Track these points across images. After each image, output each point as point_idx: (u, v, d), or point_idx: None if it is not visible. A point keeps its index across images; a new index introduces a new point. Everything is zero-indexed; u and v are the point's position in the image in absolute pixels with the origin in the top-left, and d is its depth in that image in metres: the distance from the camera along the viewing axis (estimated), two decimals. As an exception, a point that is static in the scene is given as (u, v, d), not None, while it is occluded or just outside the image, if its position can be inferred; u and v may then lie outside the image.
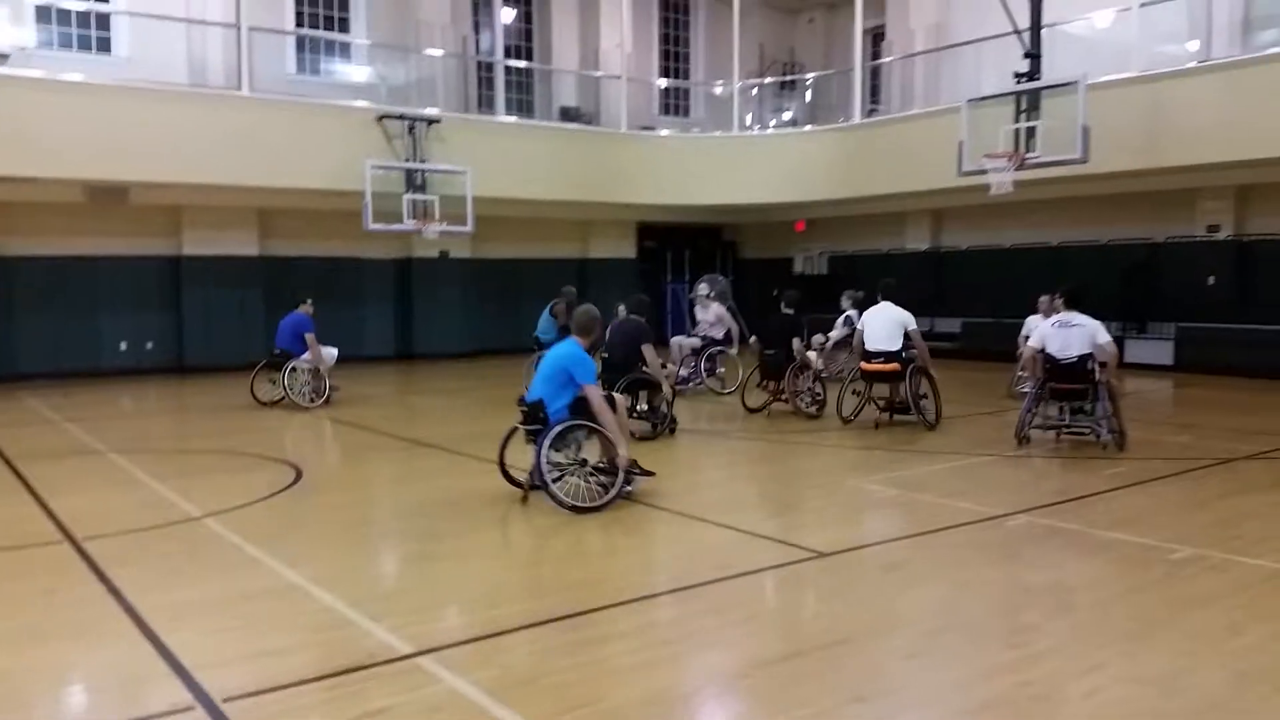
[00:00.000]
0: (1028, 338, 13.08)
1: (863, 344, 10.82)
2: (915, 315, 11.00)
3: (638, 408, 10.34)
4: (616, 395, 8.02)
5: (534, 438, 7.16)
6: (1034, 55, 14.29)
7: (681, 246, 24.72)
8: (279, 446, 9.79)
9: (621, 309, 11.07)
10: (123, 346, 17.80)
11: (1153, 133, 14.37)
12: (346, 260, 19.60)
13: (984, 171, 14.23)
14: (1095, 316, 9.34)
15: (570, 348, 7.30)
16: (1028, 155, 13.93)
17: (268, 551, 5.98)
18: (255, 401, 13.05)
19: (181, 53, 17.45)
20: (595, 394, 7.09)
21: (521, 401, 7.32)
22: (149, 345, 18.02)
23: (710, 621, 4.81)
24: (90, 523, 6.72)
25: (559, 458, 7.08)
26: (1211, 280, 16.45)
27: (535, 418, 7.19)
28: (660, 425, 10.32)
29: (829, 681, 4.03)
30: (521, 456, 7.33)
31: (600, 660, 4.29)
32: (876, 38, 22.53)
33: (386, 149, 16.93)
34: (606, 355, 10.32)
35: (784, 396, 11.61)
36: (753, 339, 12.02)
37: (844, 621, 4.78)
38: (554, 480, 6.94)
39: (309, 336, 12.96)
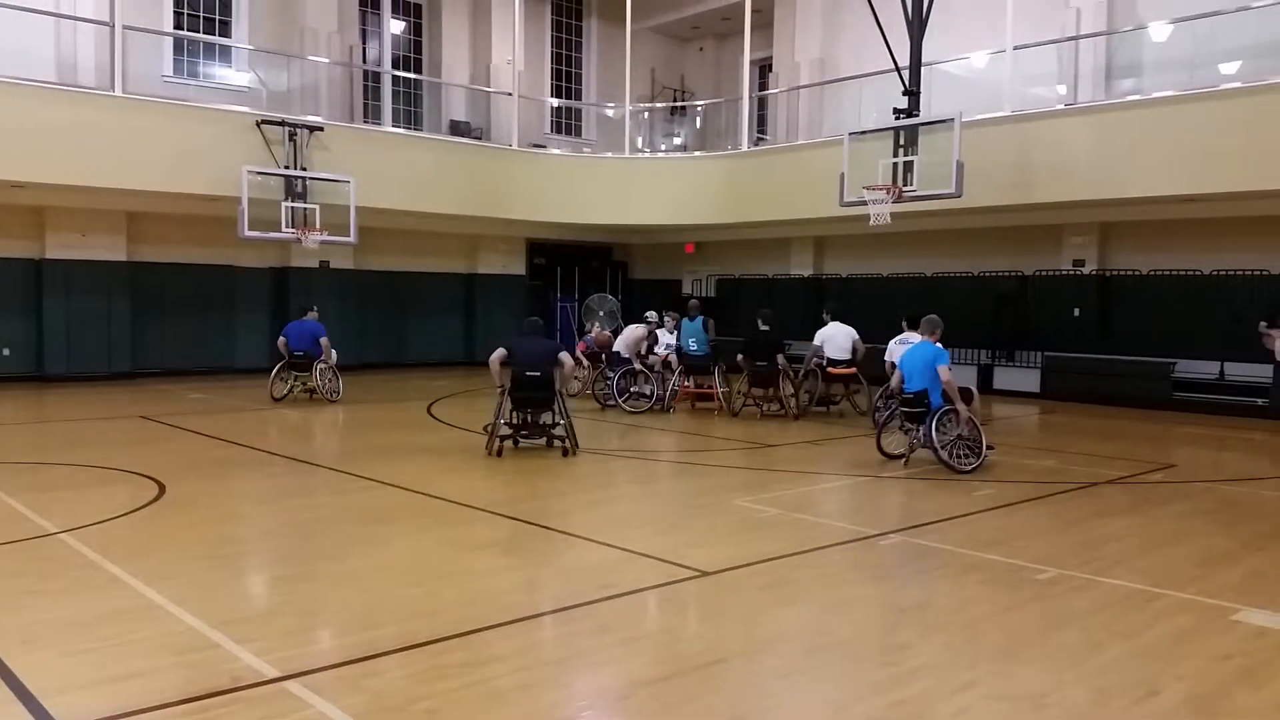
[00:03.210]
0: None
1: (821, 353, 13.69)
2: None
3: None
4: (972, 388, 10.13)
5: (910, 420, 9.68)
6: (913, 92, 14.79)
7: (572, 264, 24.75)
8: (142, 460, 9.35)
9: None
10: (-24, 353, 16.85)
11: (1023, 170, 15.05)
12: (220, 268, 18.99)
13: (864, 202, 14.63)
14: (966, 344, 11.06)
15: (934, 348, 9.57)
16: (905, 188, 14.39)
17: (128, 570, 5.69)
18: (272, 400, 14.46)
19: (49, 48, 16.64)
20: (951, 381, 9.30)
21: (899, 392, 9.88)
22: (5, 352, 17.11)
23: (592, 642, 4.77)
24: (-69, 539, 6.30)
25: (940, 435, 9.29)
26: (1077, 312, 17.24)
27: (919, 402, 9.49)
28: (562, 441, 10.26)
29: (708, 701, 4.03)
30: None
31: (478, 683, 4.19)
32: (764, 69, 23.09)
33: (266, 155, 16.46)
34: (538, 374, 10.06)
35: (764, 402, 13.62)
36: (739, 356, 13.73)
37: (723, 641, 4.80)
38: (942, 448, 9.26)
39: (324, 340, 14.61)
